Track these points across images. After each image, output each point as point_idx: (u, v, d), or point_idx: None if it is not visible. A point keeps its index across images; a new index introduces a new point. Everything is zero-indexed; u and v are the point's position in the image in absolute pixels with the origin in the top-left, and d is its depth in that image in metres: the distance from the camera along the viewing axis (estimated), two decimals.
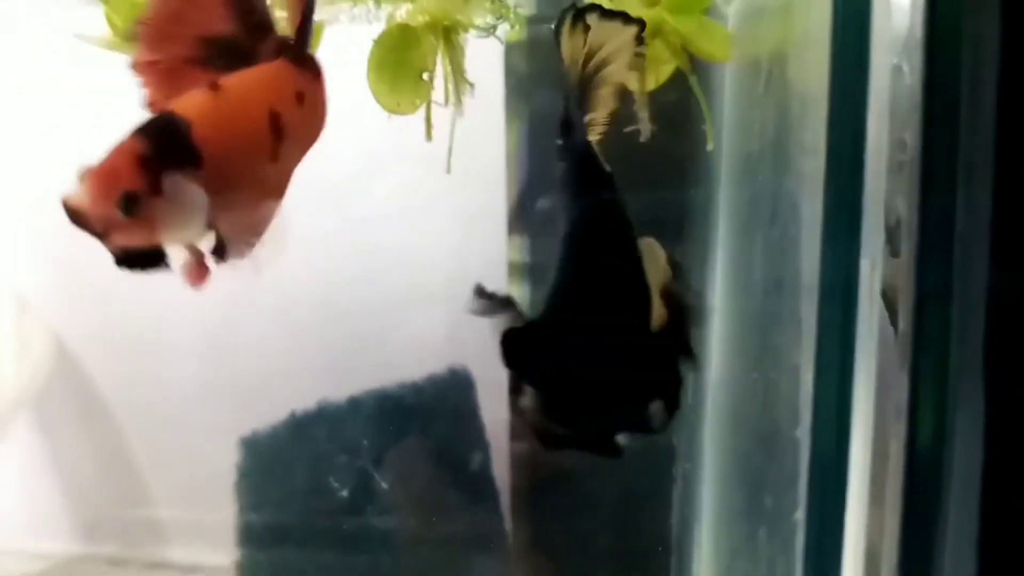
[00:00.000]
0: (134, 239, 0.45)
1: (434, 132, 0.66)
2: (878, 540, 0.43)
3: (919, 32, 0.39)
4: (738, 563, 0.64)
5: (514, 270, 0.88)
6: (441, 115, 0.65)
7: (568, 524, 0.86)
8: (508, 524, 0.90)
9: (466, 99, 0.64)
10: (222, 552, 0.97)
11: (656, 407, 0.48)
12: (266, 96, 0.47)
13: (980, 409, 0.38)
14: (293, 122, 0.48)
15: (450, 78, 0.61)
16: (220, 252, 0.48)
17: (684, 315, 0.49)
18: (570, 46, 0.55)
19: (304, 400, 0.95)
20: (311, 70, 0.49)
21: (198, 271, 0.48)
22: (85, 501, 1.09)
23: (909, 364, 0.40)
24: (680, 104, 0.67)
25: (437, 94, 0.64)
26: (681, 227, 0.71)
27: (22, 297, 1.04)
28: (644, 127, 0.65)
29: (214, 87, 0.46)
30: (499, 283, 0.89)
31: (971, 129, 0.38)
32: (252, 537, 0.94)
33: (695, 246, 0.71)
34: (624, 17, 0.54)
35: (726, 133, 0.66)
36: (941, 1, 0.39)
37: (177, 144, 0.44)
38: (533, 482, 0.89)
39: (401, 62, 0.59)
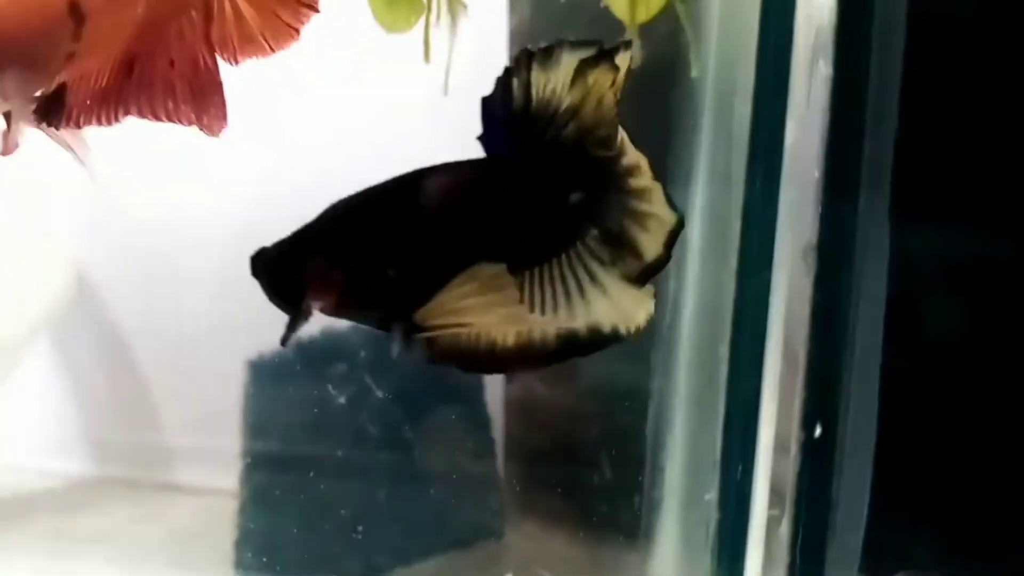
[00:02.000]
0: None
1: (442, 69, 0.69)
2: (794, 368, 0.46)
3: None
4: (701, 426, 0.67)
5: None
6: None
7: (555, 439, 0.89)
8: (499, 447, 0.94)
9: (464, 22, 0.67)
10: (230, 476, 0.99)
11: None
12: None
13: (884, 245, 0.41)
14: (94, 7, 0.53)
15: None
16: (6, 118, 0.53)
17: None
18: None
19: (309, 327, 0.98)
20: None
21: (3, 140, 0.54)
22: (100, 424, 1.13)
23: (819, 206, 0.43)
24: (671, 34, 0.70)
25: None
26: (666, 155, 0.74)
27: (43, 226, 1.08)
28: (634, 55, 0.68)
29: None
30: None
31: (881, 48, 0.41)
32: (256, 456, 0.97)
33: (681, 169, 0.74)
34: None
35: (712, 62, 0.69)
36: None
37: None
38: (524, 410, 0.93)
39: None
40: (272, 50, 0.57)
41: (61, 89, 0.54)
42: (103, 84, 0.55)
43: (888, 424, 0.42)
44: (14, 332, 1.04)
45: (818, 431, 0.45)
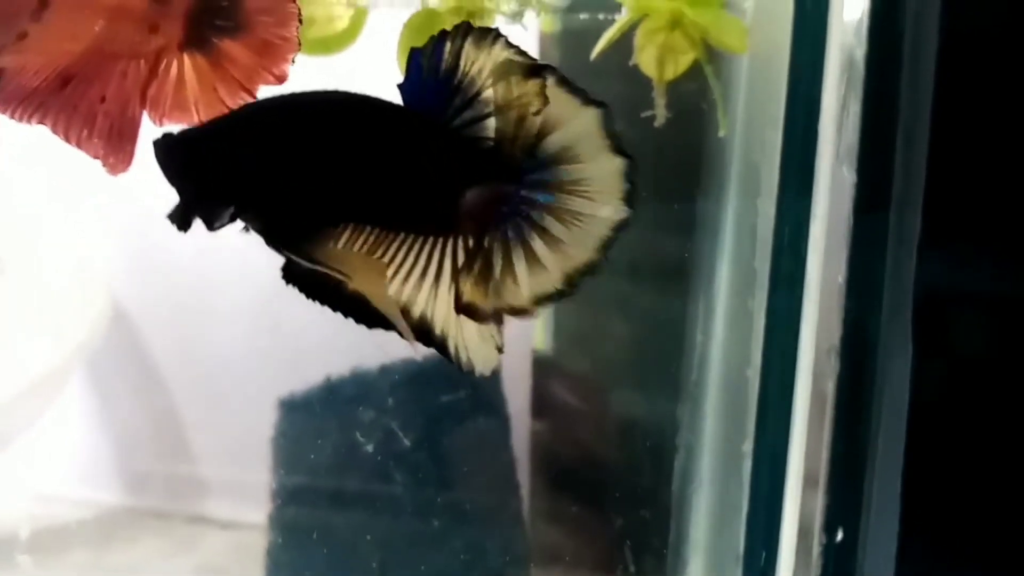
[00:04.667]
0: None
1: None
2: (816, 468, 0.46)
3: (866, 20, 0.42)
4: (725, 519, 0.67)
5: None
6: None
7: (579, 490, 0.89)
8: (525, 492, 0.94)
9: None
10: (259, 509, 1.00)
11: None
12: None
13: (907, 350, 0.41)
14: None
15: None
16: None
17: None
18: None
19: (340, 367, 0.99)
20: None
21: None
22: (133, 455, 1.15)
23: (843, 309, 0.43)
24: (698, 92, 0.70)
25: None
26: (694, 212, 0.74)
27: (83, 258, 1.10)
28: (660, 113, 0.68)
29: None
30: None
31: (910, 98, 0.41)
32: (286, 492, 0.98)
33: (707, 233, 0.74)
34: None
35: (739, 121, 0.70)
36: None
37: None
38: (550, 453, 0.93)
39: None
40: (199, 119, 0.57)
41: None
42: (34, 85, 0.55)
43: (910, 526, 0.42)
44: (52, 365, 1.06)
45: (840, 535, 0.45)
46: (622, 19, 0.69)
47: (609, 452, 0.89)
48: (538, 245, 0.49)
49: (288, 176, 0.50)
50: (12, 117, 0.56)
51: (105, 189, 1.03)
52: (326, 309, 1.04)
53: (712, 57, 0.68)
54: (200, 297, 1.08)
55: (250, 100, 0.57)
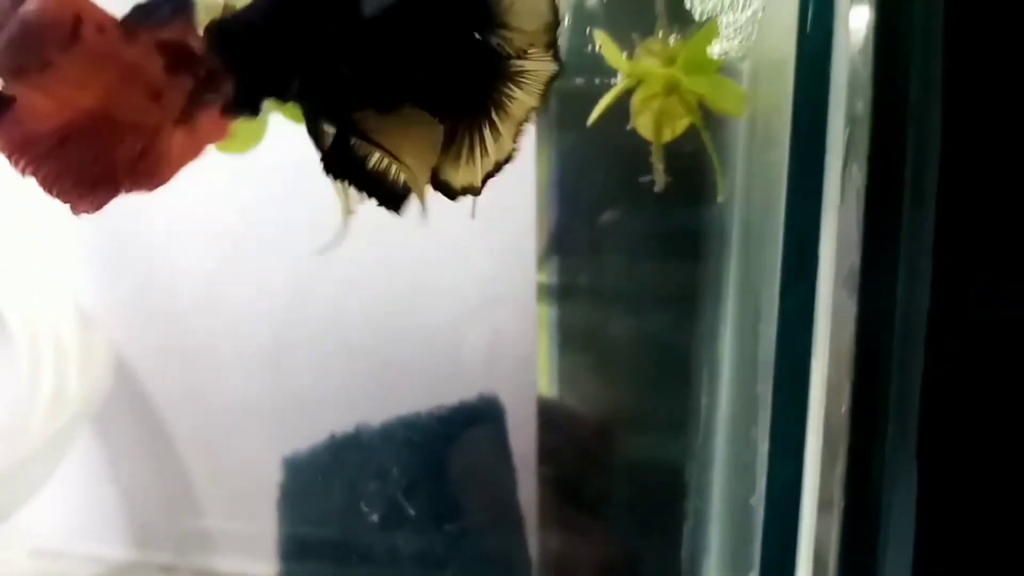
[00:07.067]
0: None
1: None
2: None
3: (870, 72, 0.42)
4: None
5: (543, 291, 0.92)
6: None
7: (589, 552, 0.89)
8: (533, 551, 0.93)
9: None
10: (267, 562, 1.00)
11: None
12: None
13: (912, 483, 0.40)
14: (88, 38, 0.53)
15: None
16: None
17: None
18: None
19: (344, 422, 0.99)
20: None
21: None
22: (140, 510, 1.14)
23: (847, 442, 0.43)
24: (696, 154, 0.70)
25: None
26: (694, 278, 0.74)
27: (85, 313, 1.10)
28: (659, 178, 0.68)
29: None
30: (529, 308, 0.92)
31: (916, 171, 0.41)
32: (292, 551, 0.98)
33: (710, 297, 0.73)
34: None
35: (739, 185, 0.69)
36: (890, 43, 0.42)
37: None
38: (557, 511, 0.92)
39: None
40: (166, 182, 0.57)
41: (11, 100, 0.54)
42: (38, 132, 0.55)
43: None
44: (56, 426, 1.05)
45: None
46: (617, 86, 0.68)
47: (618, 515, 0.88)
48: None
49: (336, 44, 0.50)
50: (9, 160, 0.55)
51: (106, 241, 1.03)
52: (330, 361, 1.04)
53: (709, 120, 0.68)
54: (204, 351, 1.08)
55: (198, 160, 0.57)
